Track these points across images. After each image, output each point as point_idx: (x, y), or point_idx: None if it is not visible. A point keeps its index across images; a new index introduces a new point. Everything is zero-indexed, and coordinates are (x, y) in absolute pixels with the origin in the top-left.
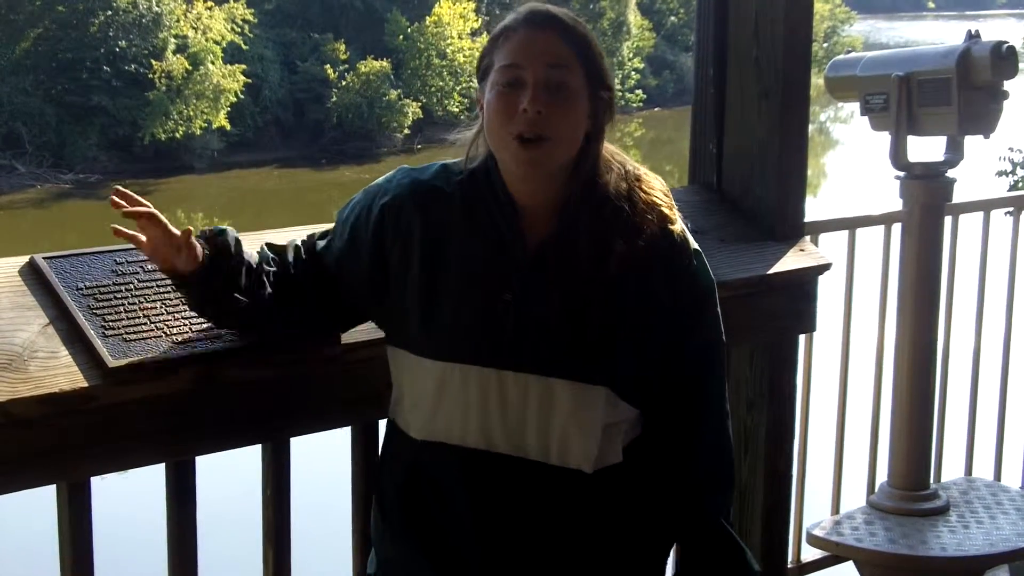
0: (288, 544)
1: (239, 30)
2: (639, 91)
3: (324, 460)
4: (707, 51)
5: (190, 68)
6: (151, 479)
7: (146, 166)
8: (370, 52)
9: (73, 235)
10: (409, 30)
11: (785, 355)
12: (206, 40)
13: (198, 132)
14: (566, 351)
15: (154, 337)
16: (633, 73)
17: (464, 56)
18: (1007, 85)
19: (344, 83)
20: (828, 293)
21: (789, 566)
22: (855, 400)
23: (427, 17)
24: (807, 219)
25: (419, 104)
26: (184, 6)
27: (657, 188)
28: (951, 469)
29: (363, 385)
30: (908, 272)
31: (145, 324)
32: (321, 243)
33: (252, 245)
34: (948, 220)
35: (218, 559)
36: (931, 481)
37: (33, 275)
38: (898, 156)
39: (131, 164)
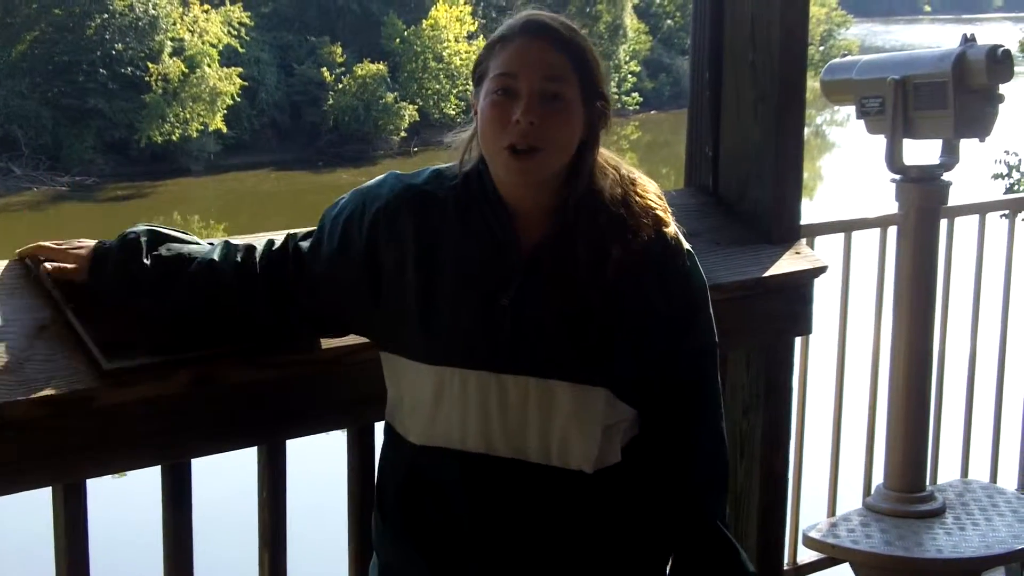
0: (284, 547)
1: (235, 33)
2: (635, 94)
3: (320, 462)
4: (703, 54)
5: (186, 71)
6: (147, 481)
7: (142, 169)
8: (367, 55)
9: (69, 237)
10: (406, 33)
11: (781, 358)
12: (202, 43)
13: (194, 135)
14: (565, 353)
15: (150, 339)
16: (629, 76)
17: (461, 59)
18: (1002, 88)
19: (341, 86)
20: (824, 296)
21: (785, 568)
22: (851, 402)
23: (424, 20)
24: (803, 222)
25: (416, 107)
26: (180, 9)
27: (651, 191)
28: (947, 471)
29: (359, 387)
30: (904, 275)
31: (141, 326)
32: (305, 244)
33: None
34: (944, 223)
35: (214, 562)
36: (927, 483)
37: (29, 277)
38: (894, 159)
39: (127, 167)
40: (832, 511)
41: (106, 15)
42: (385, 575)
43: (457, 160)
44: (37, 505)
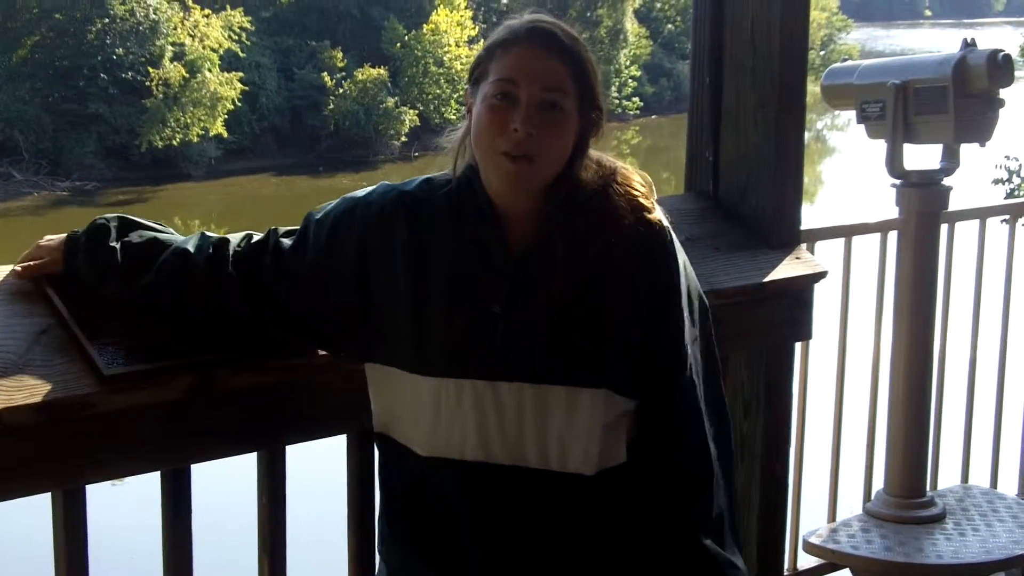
0: (284, 552)
1: (236, 38)
2: (636, 99)
3: (320, 467)
4: (703, 59)
5: (187, 76)
6: (146, 487)
7: (143, 173)
8: (367, 60)
9: None
10: (406, 38)
11: (781, 362)
12: (203, 48)
13: (195, 139)
14: (557, 357)
15: (149, 345)
16: (630, 81)
17: (461, 64)
18: (1003, 93)
19: (341, 91)
20: (824, 301)
21: (785, 574)
22: (851, 408)
23: (424, 25)
24: (803, 227)
25: (416, 112)
26: (181, 14)
27: (634, 179)
28: (947, 476)
29: (360, 393)
30: (904, 280)
31: (140, 332)
32: (286, 241)
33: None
34: (944, 228)
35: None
36: (927, 488)
37: (28, 282)
38: (894, 164)
39: (128, 171)
40: (832, 516)
41: (107, 20)
42: None
43: (450, 163)
44: (37, 511)
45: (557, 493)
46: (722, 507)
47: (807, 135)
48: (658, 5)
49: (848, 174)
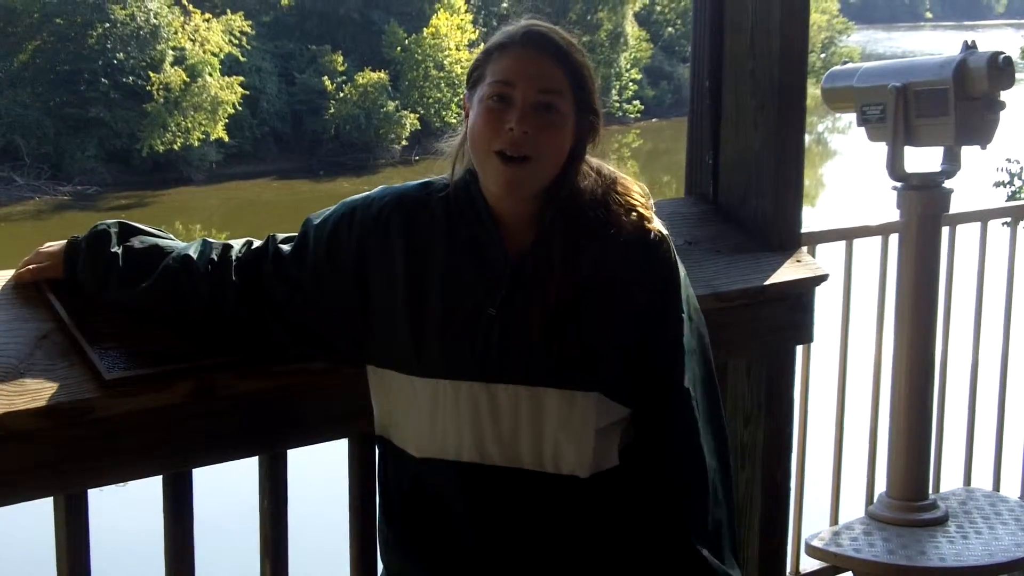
0: (285, 556)
1: (237, 42)
2: (636, 102)
3: (322, 471)
4: (703, 63)
5: (188, 80)
6: (148, 491)
7: (144, 178)
8: (368, 64)
9: None
10: (407, 42)
11: (783, 366)
12: (204, 52)
13: (196, 144)
14: (552, 360)
15: (150, 349)
16: (630, 84)
17: (462, 68)
18: (1004, 95)
19: (342, 95)
20: (826, 304)
21: None
22: (853, 411)
23: (425, 29)
24: (804, 230)
25: (417, 116)
26: (182, 18)
27: (634, 190)
28: (950, 479)
29: (360, 397)
30: (906, 282)
31: (141, 336)
32: (286, 247)
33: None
34: (945, 230)
35: (215, 571)
36: (930, 491)
37: (30, 287)
38: (895, 167)
39: (129, 176)
40: (835, 519)
41: (108, 24)
42: None
43: (448, 167)
44: (39, 515)
45: (552, 495)
46: (720, 520)
47: (808, 138)
48: (658, 8)
49: (849, 177)
